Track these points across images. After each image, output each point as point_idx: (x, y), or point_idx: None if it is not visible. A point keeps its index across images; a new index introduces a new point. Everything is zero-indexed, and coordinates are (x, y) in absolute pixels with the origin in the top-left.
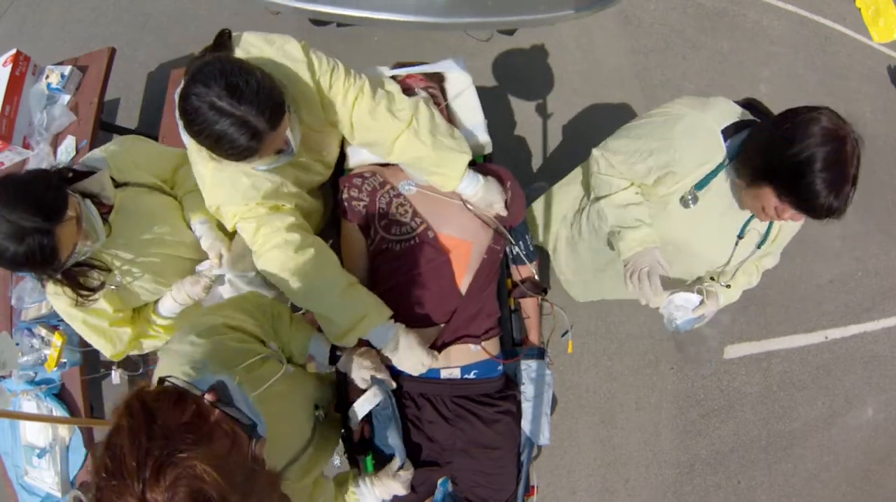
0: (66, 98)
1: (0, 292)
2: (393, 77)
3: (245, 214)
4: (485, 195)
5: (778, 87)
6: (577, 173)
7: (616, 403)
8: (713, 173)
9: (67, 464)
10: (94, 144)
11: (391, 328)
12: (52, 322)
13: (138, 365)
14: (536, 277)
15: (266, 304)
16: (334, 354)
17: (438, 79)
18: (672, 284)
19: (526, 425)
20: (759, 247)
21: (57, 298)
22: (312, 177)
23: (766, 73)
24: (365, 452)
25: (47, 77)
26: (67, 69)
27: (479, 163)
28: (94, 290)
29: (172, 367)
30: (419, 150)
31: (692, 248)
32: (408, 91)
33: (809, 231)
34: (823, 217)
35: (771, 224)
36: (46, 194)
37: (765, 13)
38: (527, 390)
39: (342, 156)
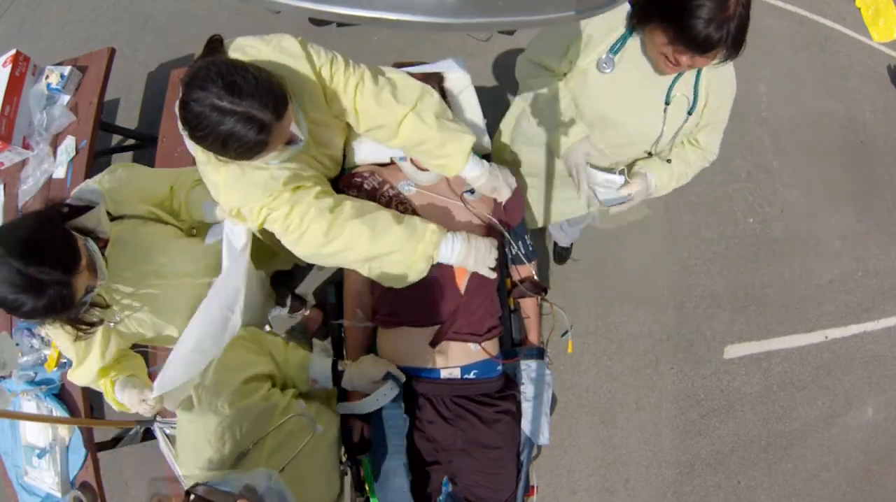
0: (65, 98)
1: None
2: None
3: (272, 204)
4: (489, 180)
5: (777, 87)
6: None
7: (616, 403)
8: (624, 35)
9: (67, 464)
10: (93, 144)
11: (452, 237)
12: None
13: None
14: (536, 277)
15: (261, 337)
16: (336, 374)
17: (438, 79)
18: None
19: (526, 425)
20: (689, 113)
21: (57, 335)
22: (323, 170)
23: (766, 72)
24: (365, 452)
25: (47, 77)
26: (67, 69)
27: None
28: (92, 325)
29: (196, 459)
30: (424, 133)
31: (620, 119)
32: None
33: (809, 231)
34: (708, 50)
35: (697, 87)
36: (60, 247)
37: (765, 13)
38: (527, 390)
39: (343, 156)
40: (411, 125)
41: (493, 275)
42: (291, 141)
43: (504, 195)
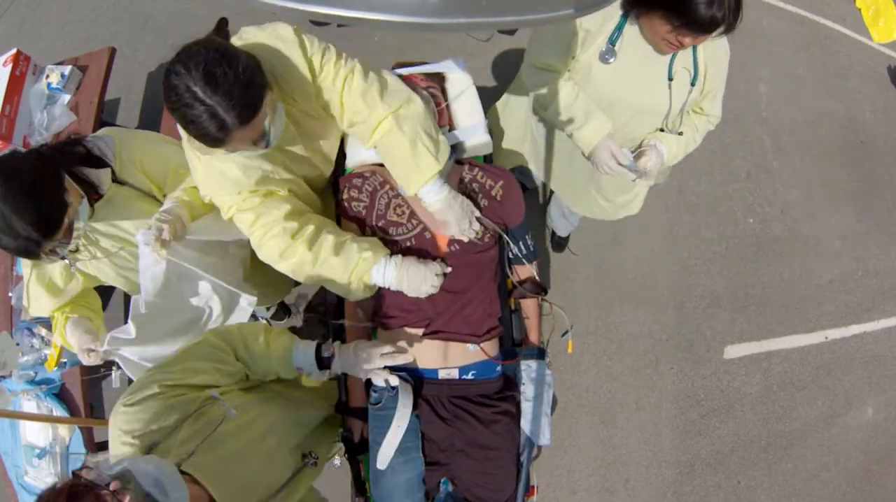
0: (66, 98)
1: (0, 292)
2: None
3: (241, 205)
4: (443, 210)
5: (778, 87)
6: (516, 86)
7: (616, 403)
8: (620, 24)
9: (67, 464)
10: None
11: (385, 264)
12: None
13: None
14: (536, 278)
15: (230, 335)
16: (321, 360)
17: (439, 79)
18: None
19: (526, 425)
20: (692, 84)
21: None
22: (309, 169)
23: (766, 72)
24: (365, 452)
25: (47, 77)
26: (67, 69)
27: (479, 163)
28: (56, 255)
29: (115, 444)
30: (396, 140)
31: (628, 101)
32: None
33: (809, 231)
34: (712, 29)
35: (695, 58)
36: (47, 210)
37: (765, 13)
38: (527, 390)
39: (343, 156)
40: (387, 128)
41: (433, 291)
42: (258, 143)
43: (451, 232)
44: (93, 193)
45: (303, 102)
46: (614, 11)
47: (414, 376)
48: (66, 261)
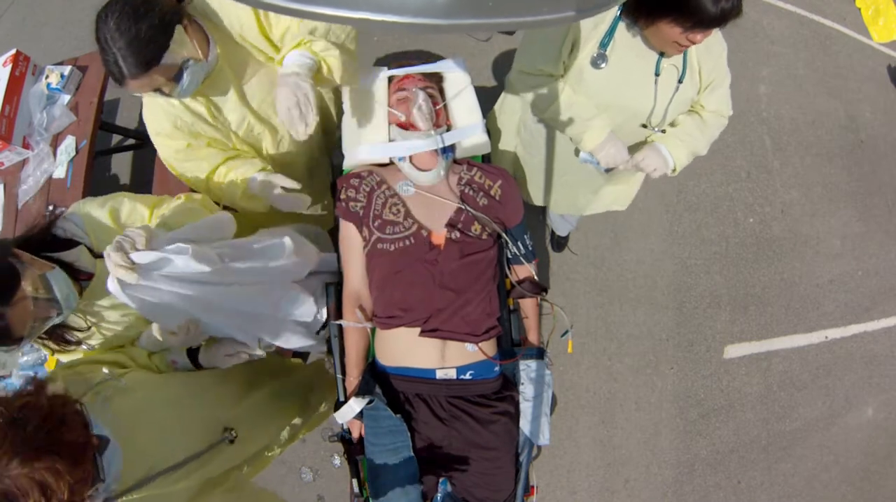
0: (65, 98)
1: None
2: (391, 77)
3: (167, 143)
4: (281, 79)
5: (778, 87)
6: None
7: (616, 403)
8: (611, 28)
9: None
10: (93, 144)
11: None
12: None
13: None
14: (535, 277)
15: (120, 337)
16: (193, 355)
17: (437, 78)
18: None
19: (525, 425)
20: (680, 81)
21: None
22: (251, 135)
23: (766, 72)
24: (364, 452)
25: (47, 77)
26: (67, 69)
27: (478, 163)
28: (75, 343)
29: None
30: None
31: (621, 103)
32: (405, 90)
33: (809, 231)
34: (725, 22)
35: (685, 55)
36: None
37: (765, 13)
38: (526, 390)
39: (341, 157)
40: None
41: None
42: (166, 90)
43: (280, 118)
44: (78, 274)
45: (233, 42)
46: (605, 16)
47: (411, 377)
48: (86, 345)
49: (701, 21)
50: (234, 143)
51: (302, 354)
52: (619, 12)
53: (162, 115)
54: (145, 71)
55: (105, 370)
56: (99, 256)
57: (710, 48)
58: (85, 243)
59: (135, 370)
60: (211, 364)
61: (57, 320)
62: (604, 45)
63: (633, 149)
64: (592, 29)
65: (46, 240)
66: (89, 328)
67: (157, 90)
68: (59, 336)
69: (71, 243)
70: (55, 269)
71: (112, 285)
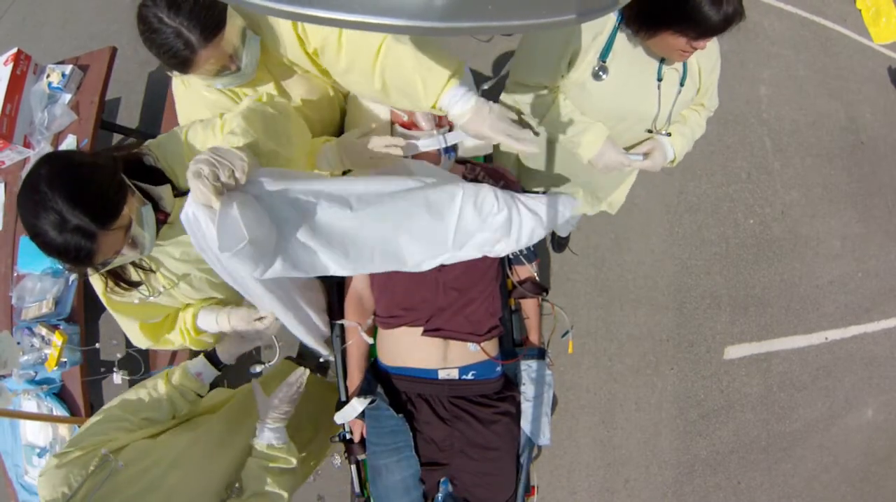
0: (66, 97)
1: (0, 292)
2: None
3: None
4: (474, 120)
5: (778, 89)
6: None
7: (616, 403)
8: (610, 39)
9: None
10: (94, 143)
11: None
12: (53, 321)
13: (140, 366)
14: (536, 278)
15: (133, 405)
16: (215, 360)
17: None
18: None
19: (526, 425)
20: (682, 84)
21: (93, 278)
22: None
23: (767, 74)
24: (365, 452)
25: (48, 76)
26: (68, 68)
27: (480, 163)
28: (130, 285)
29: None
30: (401, 50)
31: (624, 111)
32: None
33: (810, 232)
34: (727, 27)
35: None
36: (104, 195)
37: (765, 14)
38: (527, 390)
39: None
40: (388, 46)
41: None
42: (228, 69)
43: (497, 141)
44: (158, 210)
45: (274, 50)
46: (604, 27)
47: (413, 377)
48: (143, 293)
49: (706, 30)
50: None
51: (307, 360)
52: (617, 23)
53: (201, 104)
54: (216, 33)
55: (103, 450)
56: (180, 194)
57: (710, 51)
58: (171, 180)
59: (136, 442)
60: (231, 356)
61: (131, 258)
62: (603, 56)
63: (633, 146)
64: (592, 40)
65: (137, 167)
66: (154, 271)
67: (223, 68)
68: (118, 275)
69: (157, 175)
70: (147, 206)
71: (197, 210)
